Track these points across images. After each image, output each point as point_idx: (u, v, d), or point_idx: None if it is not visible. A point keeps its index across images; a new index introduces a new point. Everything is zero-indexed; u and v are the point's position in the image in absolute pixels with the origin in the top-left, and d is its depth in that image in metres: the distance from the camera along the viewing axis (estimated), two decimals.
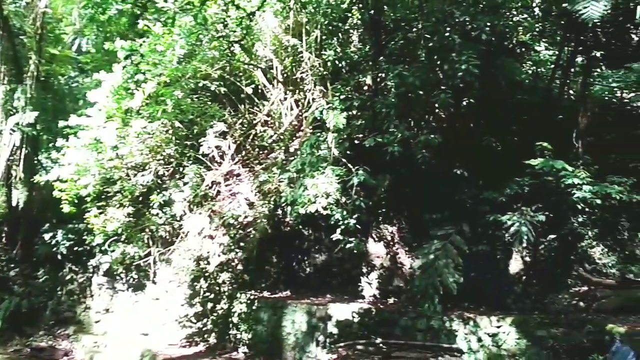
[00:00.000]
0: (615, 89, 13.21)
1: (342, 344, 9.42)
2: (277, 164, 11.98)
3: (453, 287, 9.52)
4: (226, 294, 11.18)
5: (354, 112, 11.70)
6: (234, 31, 12.02)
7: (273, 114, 13.08)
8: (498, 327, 9.06)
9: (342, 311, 9.88)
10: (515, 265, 10.26)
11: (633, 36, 16.72)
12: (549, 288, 10.10)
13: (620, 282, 9.86)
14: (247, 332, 10.65)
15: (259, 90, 13.39)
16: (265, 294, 11.28)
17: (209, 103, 12.70)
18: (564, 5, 10.89)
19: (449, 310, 9.66)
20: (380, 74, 12.09)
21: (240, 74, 13.46)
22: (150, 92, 11.50)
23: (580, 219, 10.49)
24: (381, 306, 10.28)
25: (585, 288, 9.86)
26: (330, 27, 13.12)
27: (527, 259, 10.29)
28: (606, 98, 12.98)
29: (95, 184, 12.06)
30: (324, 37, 13.01)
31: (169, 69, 11.41)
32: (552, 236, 10.49)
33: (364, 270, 11.26)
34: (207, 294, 11.34)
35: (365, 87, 12.78)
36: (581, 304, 9.64)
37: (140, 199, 12.46)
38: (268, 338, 10.36)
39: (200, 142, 12.10)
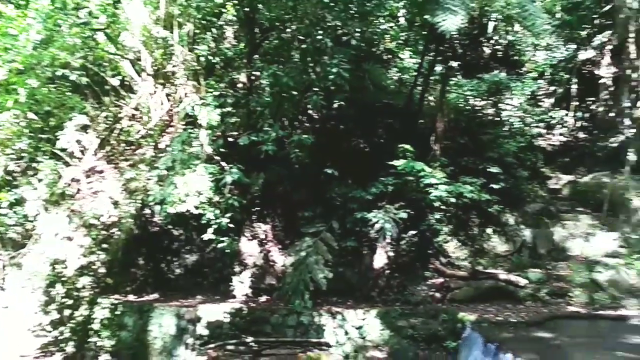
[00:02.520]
0: (469, 97, 14.57)
1: (212, 345, 9.25)
2: (145, 161, 11.41)
3: (323, 282, 9.83)
4: (86, 299, 10.40)
5: (228, 109, 11.52)
6: (96, 17, 11.24)
7: (141, 108, 12.44)
8: (363, 319, 9.51)
9: (212, 312, 9.70)
10: (379, 259, 10.81)
11: (485, 49, 18.61)
12: (410, 280, 10.84)
13: (471, 273, 10.88)
14: (110, 339, 10.00)
15: (126, 83, 12.65)
16: (131, 297, 10.69)
17: (69, 94, 11.69)
18: (425, 16, 11.73)
19: (319, 305, 9.94)
20: (254, 72, 12.07)
21: (105, 64, 12.60)
22: (0, 80, 10.35)
23: (437, 216, 11.38)
24: (253, 305, 10.27)
25: (441, 280, 10.72)
26: (203, 22, 12.79)
27: (391, 253, 10.90)
28: (460, 105, 14.24)
29: None
30: (197, 32, 12.66)
31: (22, 55, 10.36)
32: (413, 232, 11.28)
33: (237, 269, 11.17)
34: (65, 300, 10.45)
35: (240, 85, 12.69)
36: (437, 294, 10.47)
37: None
38: (133, 344, 9.84)
39: (57, 135, 11.12)
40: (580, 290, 10.63)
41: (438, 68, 13.69)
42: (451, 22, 10.21)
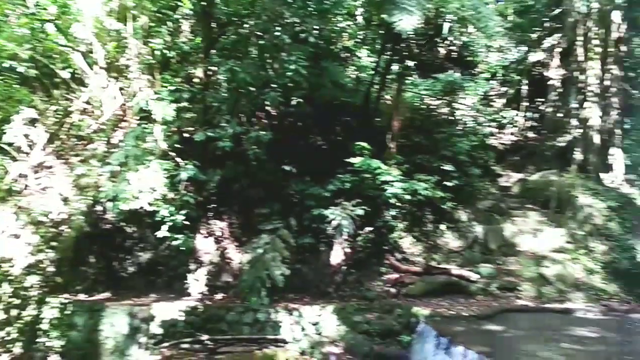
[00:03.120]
0: (424, 96, 14.85)
1: (166, 344, 9.10)
2: (97, 156, 11.11)
3: (280, 279, 9.81)
4: (34, 298, 10.05)
5: (184, 104, 11.37)
6: (45, 8, 10.85)
7: (93, 102, 12.08)
8: (320, 315, 9.56)
9: (167, 310, 9.54)
10: (336, 256, 10.88)
11: (441, 49, 19.01)
12: (366, 276, 10.97)
13: (425, 269, 11.09)
14: (59, 339, 9.69)
15: (77, 76, 12.25)
16: (81, 297, 10.38)
17: (16, 86, 11.25)
18: (382, 16, 11.87)
19: (276, 302, 9.92)
20: (211, 68, 11.92)
21: (55, 56, 12.17)
22: None
23: (392, 213, 11.56)
24: (209, 303, 10.15)
25: (396, 275, 10.88)
26: (158, 15, 12.53)
27: (347, 250, 10.97)
28: (416, 104, 14.50)
29: None
30: (152, 25, 12.40)
31: None
32: (369, 228, 11.39)
33: (192, 267, 11.01)
34: (12, 299, 10.06)
35: (196, 80, 12.49)
36: (392, 290, 10.63)
37: None
38: (84, 344, 9.56)
39: (4, 129, 10.68)
40: (528, 285, 11.02)
41: (394, 67, 13.87)
42: (407, 22, 10.37)
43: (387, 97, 14.37)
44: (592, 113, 14.91)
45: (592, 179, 14.31)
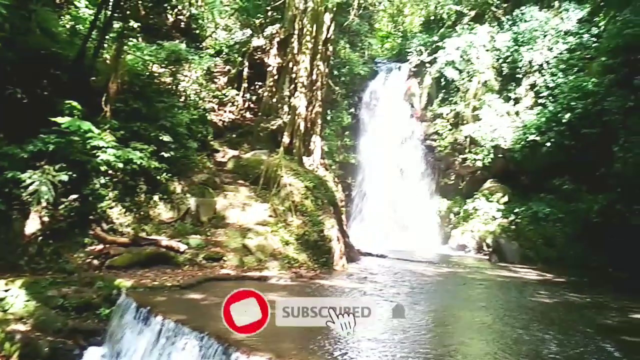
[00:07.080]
0: (148, 62, 14.34)
1: None
2: None
3: None
4: None
5: None
6: None
7: None
8: (6, 290, 8.47)
9: None
10: (32, 225, 9.75)
11: (169, 17, 18.59)
12: (66, 248, 10.10)
13: (132, 240, 10.84)
14: None
15: None
16: None
17: None
18: None
19: None
20: None
21: None
22: None
23: (102, 181, 10.91)
24: None
25: (101, 246, 10.34)
26: None
27: (46, 219, 9.94)
28: (138, 69, 13.87)
29: None
30: None
31: None
32: (74, 196, 10.50)
33: None
34: None
35: None
36: (95, 261, 10.07)
37: None
38: None
39: None
40: (233, 254, 11.78)
41: (117, 25, 12.97)
42: None
43: (107, 56, 13.36)
44: (300, 102, 16.71)
45: (296, 161, 16.10)
